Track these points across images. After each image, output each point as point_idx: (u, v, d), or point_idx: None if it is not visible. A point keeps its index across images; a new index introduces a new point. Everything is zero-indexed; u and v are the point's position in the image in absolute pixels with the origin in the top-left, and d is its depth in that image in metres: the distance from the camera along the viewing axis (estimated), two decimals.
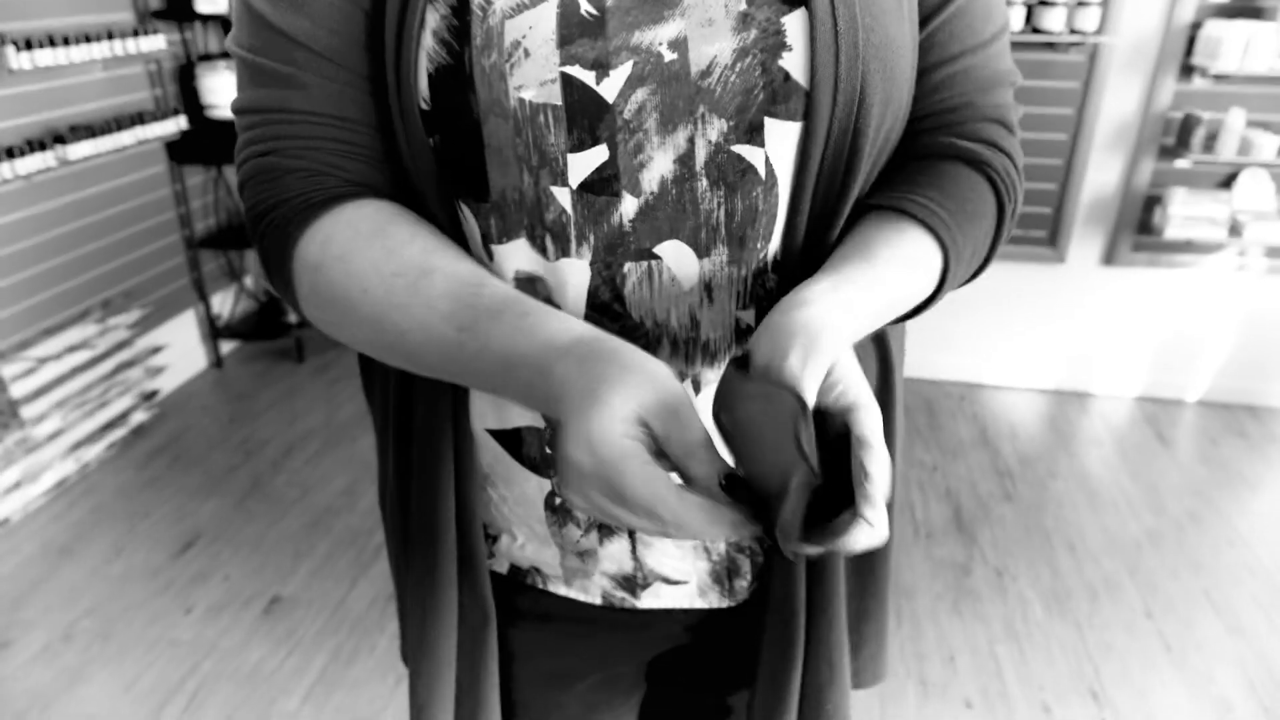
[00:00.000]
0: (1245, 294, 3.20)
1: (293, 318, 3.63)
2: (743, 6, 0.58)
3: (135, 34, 2.88)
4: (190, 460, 2.92)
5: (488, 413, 0.71)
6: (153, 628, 2.19)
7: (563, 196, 0.60)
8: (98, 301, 3.01)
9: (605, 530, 0.73)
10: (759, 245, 0.63)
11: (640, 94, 0.58)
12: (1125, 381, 3.40)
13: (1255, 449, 3.06)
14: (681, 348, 0.65)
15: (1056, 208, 3.19)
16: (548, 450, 0.70)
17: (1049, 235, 3.23)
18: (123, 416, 2.97)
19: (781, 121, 0.59)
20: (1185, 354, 3.32)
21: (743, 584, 0.79)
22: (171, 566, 2.41)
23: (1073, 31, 2.89)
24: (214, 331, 3.52)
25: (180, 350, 3.40)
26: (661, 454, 0.51)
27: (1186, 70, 2.94)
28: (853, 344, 0.57)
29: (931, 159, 0.67)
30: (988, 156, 0.67)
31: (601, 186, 0.60)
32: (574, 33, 0.57)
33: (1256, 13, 2.81)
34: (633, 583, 0.76)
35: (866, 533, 0.49)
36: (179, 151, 3.24)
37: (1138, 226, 3.16)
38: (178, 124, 3.11)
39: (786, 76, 0.58)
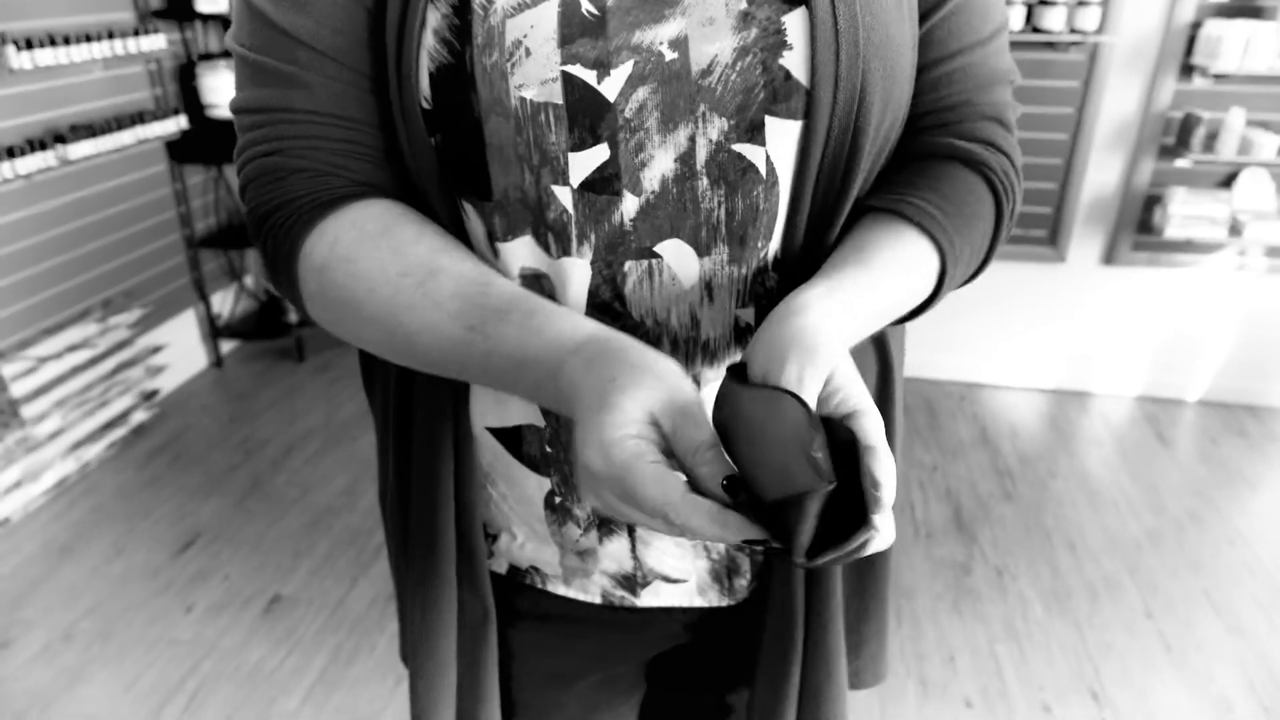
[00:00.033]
0: (1245, 294, 3.20)
1: (293, 317, 3.63)
2: (743, 5, 0.58)
3: (135, 33, 2.88)
4: (190, 460, 2.92)
5: (488, 410, 0.71)
6: (153, 627, 2.19)
7: (564, 195, 0.61)
8: (98, 301, 3.01)
9: (605, 529, 0.74)
10: (759, 244, 0.63)
11: (641, 93, 0.58)
12: (1125, 381, 3.40)
13: (1255, 449, 3.06)
14: (682, 346, 0.65)
15: (1057, 207, 3.19)
16: (547, 449, 0.71)
17: (1049, 235, 3.23)
18: (123, 416, 2.97)
19: (782, 120, 0.59)
20: (1185, 354, 3.32)
21: (742, 583, 0.79)
22: (171, 566, 2.41)
23: (1073, 31, 2.89)
24: (214, 331, 3.52)
25: (180, 350, 3.40)
26: (671, 453, 0.51)
27: (1186, 70, 2.94)
28: (850, 347, 0.58)
29: (929, 160, 0.67)
30: (985, 157, 0.67)
31: (602, 185, 0.60)
32: (575, 32, 0.57)
33: (1256, 12, 2.81)
34: (632, 582, 0.76)
35: (875, 540, 0.49)
36: (179, 151, 3.24)
37: (1138, 226, 3.16)
38: (178, 123, 3.11)
39: (787, 75, 0.58)
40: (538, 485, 0.73)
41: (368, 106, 0.63)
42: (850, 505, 0.48)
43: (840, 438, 0.50)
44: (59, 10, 2.74)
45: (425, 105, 0.60)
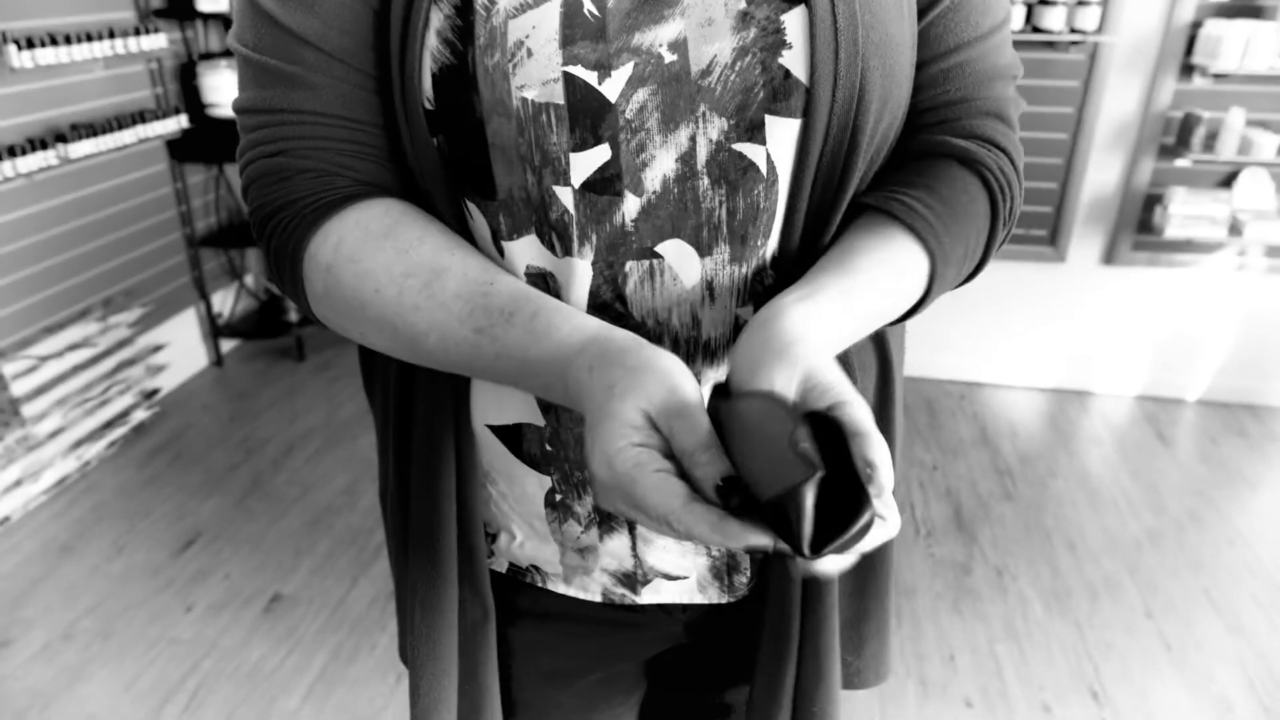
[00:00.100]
0: (1245, 293, 3.20)
1: (293, 316, 3.63)
2: (742, 5, 0.58)
3: (136, 32, 2.88)
4: (191, 459, 2.92)
5: (488, 407, 0.71)
6: (153, 626, 2.20)
7: (565, 196, 0.61)
8: (99, 300, 3.01)
9: (605, 526, 0.74)
10: (759, 242, 0.64)
11: (641, 94, 0.58)
12: (1125, 380, 3.40)
13: (1255, 448, 3.07)
14: (683, 346, 0.66)
15: (1057, 207, 3.19)
16: (548, 447, 0.71)
17: (1049, 234, 3.23)
18: (123, 415, 2.97)
19: (782, 119, 0.60)
20: (1185, 353, 3.32)
21: (742, 580, 0.79)
22: (172, 565, 2.41)
23: (1073, 30, 2.89)
24: (214, 330, 3.52)
25: (181, 349, 3.40)
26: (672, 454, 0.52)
27: (1186, 69, 2.94)
28: (837, 351, 0.58)
29: (926, 158, 0.67)
30: (982, 155, 0.66)
31: (604, 186, 0.60)
32: (576, 33, 0.57)
33: (1256, 12, 2.81)
34: (633, 579, 0.77)
35: (880, 527, 0.49)
36: (180, 150, 3.24)
37: (1138, 226, 3.16)
38: (179, 122, 3.11)
39: (786, 74, 0.58)
40: (538, 483, 0.73)
41: (372, 107, 0.63)
42: (849, 494, 0.48)
43: (827, 428, 0.50)
44: (60, 9, 2.74)
45: (428, 106, 0.60)
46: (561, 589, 0.79)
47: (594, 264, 0.63)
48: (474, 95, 0.58)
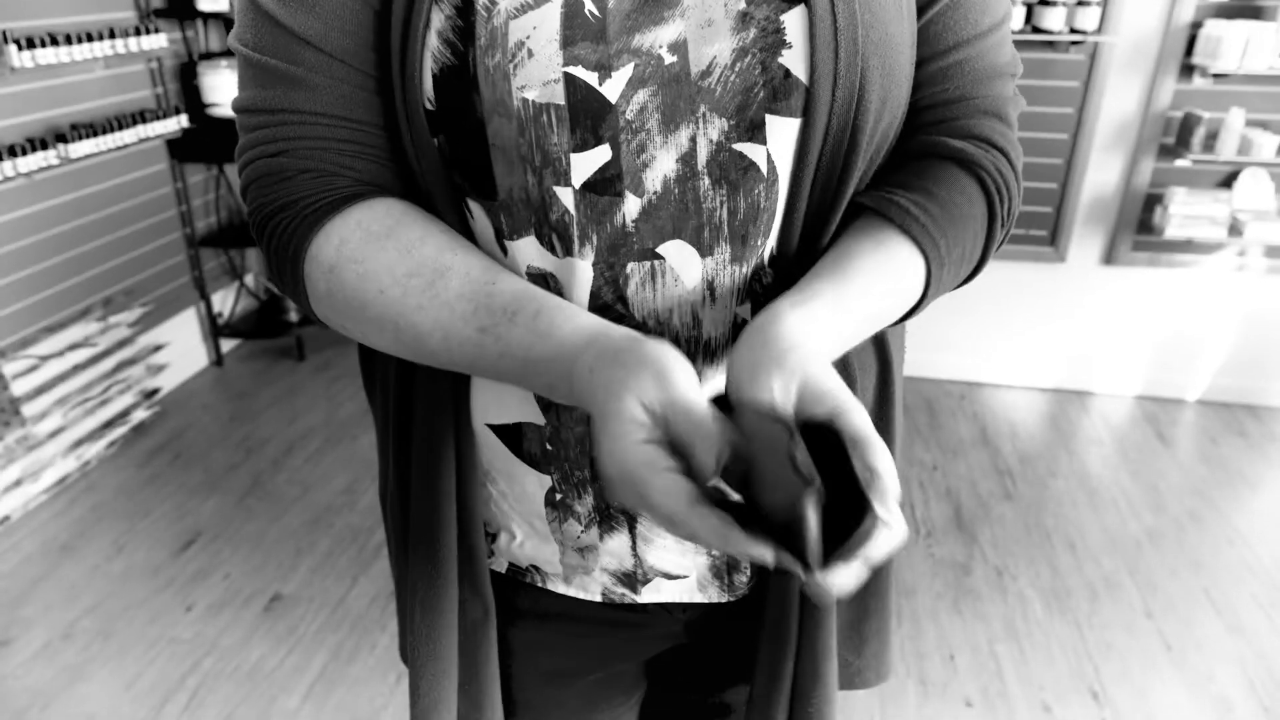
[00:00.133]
0: (1245, 294, 3.20)
1: (293, 316, 3.63)
2: (742, 5, 0.58)
3: (137, 32, 2.88)
4: (191, 458, 2.93)
5: (489, 406, 0.71)
6: (153, 626, 2.20)
7: (566, 197, 0.61)
8: (99, 299, 3.01)
9: (606, 526, 0.74)
10: (760, 242, 0.64)
11: (642, 95, 0.58)
12: (1125, 380, 3.40)
13: (1255, 448, 3.07)
14: (683, 346, 0.66)
15: (1057, 207, 3.19)
16: (548, 446, 0.71)
17: (1049, 234, 3.23)
18: (123, 414, 2.97)
19: (782, 118, 0.60)
20: (1185, 353, 3.32)
21: (742, 579, 0.79)
22: (172, 564, 2.41)
23: (1073, 31, 2.89)
24: (215, 330, 3.52)
25: (181, 348, 3.40)
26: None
27: (1186, 70, 2.94)
28: (834, 358, 0.58)
29: (924, 159, 0.67)
30: (979, 157, 0.66)
31: (604, 186, 0.60)
32: (576, 34, 0.57)
33: (1256, 13, 2.82)
34: (633, 579, 0.77)
35: (887, 535, 0.48)
36: (180, 150, 3.24)
37: (1138, 226, 3.16)
38: (179, 122, 3.11)
39: (786, 73, 0.58)
40: (538, 482, 0.73)
41: (373, 108, 0.63)
42: (852, 504, 0.48)
43: (827, 438, 0.50)
44: (60, 9, 2.74)
45: (429, 106, 0.60)
46: (561, 589, 0.79)
47: (595, 265, 0.63)
48: (475, 96, 0.58)
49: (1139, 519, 2.66)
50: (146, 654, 2.11)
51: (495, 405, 0.71)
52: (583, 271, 0.63)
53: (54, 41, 2.58)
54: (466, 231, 0.66)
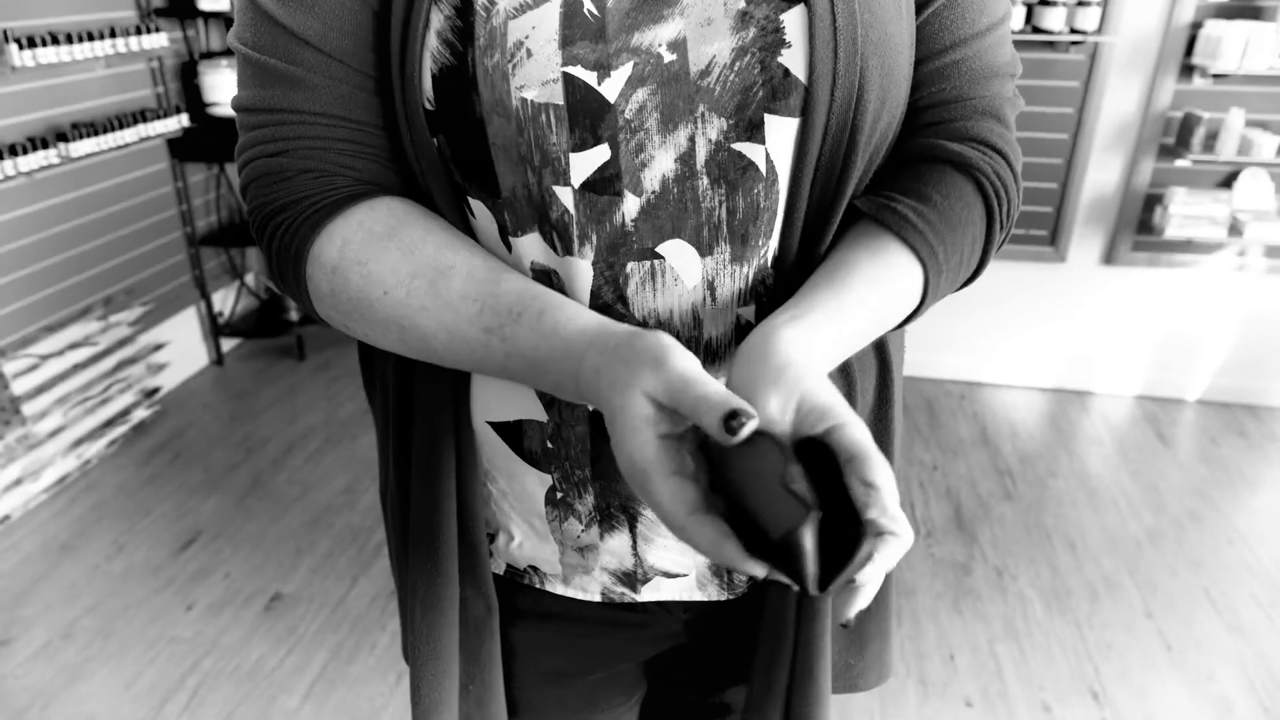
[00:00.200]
0: (1245, 294, 3.20)
1: (294, 315, 3.63)
2: (741, 4, 0.58)
3: (137, 31, 2.88)
4: (191, 457, 2.93)
5: (489, 404, 0.71)
6: (153, 625, 2.20)
7: (565, 196, 0.61)
8: (99, 298, 3.01)
9: (606, 525, 0.74)
10: (760, 242, 0.64)
11: (641, 94, 0.58)
12: (1125, 380, 3.40)
13: (1255, 448, 3.07)
14: (684, 346, 0.65)
15: (1057, 207, 3.19)
16: (549, 444, 0.71)
17: (1049, 234, 3.23)
18: (124, 413, 2.97)
19: (781, 118, 0.60)
20: (1185, 353, 3.32)
21: (742, 577, 0.79)
22: (172, 564, 2.42)
23: (1073, 31, 2.89)
24: (215, 329, 3.52)
25: (181, 347, 3.40)
26: (694, 427, 0.52)
27: (1186, 70, 2.94)
28: (830, 369, 0.59)
29: (922, 163, 0.67)
30: (977, 161, 0.66)
31: (603, 186, 0.60)
32: (575, 34, 0.57)
33: (1256, 13, 2.82)
34: (633, 578, 0.77)
35: (893, 545, 0.48)
36: (181, 149, 3.24)
37: (1138, 226, 3.16)
38: (180, 121, 3.11)
39: (786, 73, 0.58)
40: (538, 481, 0.73)
41: (373, 108, 0.63)
42: (850, 523, 0.47)
43: (826, 454, 0.50)
44: (61, 8, 2.74)
45: (428, 106, 0.60)
46: (560, 590, 0.79)
47: (595, 264, 0.63)
48: (474, 96, 0.58)
49: (1139, 519, 2.67)
50: (146, 653, 2.11)
51: (497, 402, 0.71)
52: (583, 271, 0.63)
53: (55, 41, 2.58)
54: (467, 230, 0.66)
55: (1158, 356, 3.35)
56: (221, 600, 2.28)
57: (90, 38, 2.70)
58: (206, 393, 3.36)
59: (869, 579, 0.49)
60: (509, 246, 0.65)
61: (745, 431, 0.47)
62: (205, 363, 3.57)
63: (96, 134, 2.76)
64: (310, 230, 0.62)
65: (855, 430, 0.50)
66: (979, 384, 3.50)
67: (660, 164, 0.60)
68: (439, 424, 0.72)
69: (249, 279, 3.80)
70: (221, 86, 3.16)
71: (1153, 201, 3.12)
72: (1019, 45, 2.88)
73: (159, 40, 2.97)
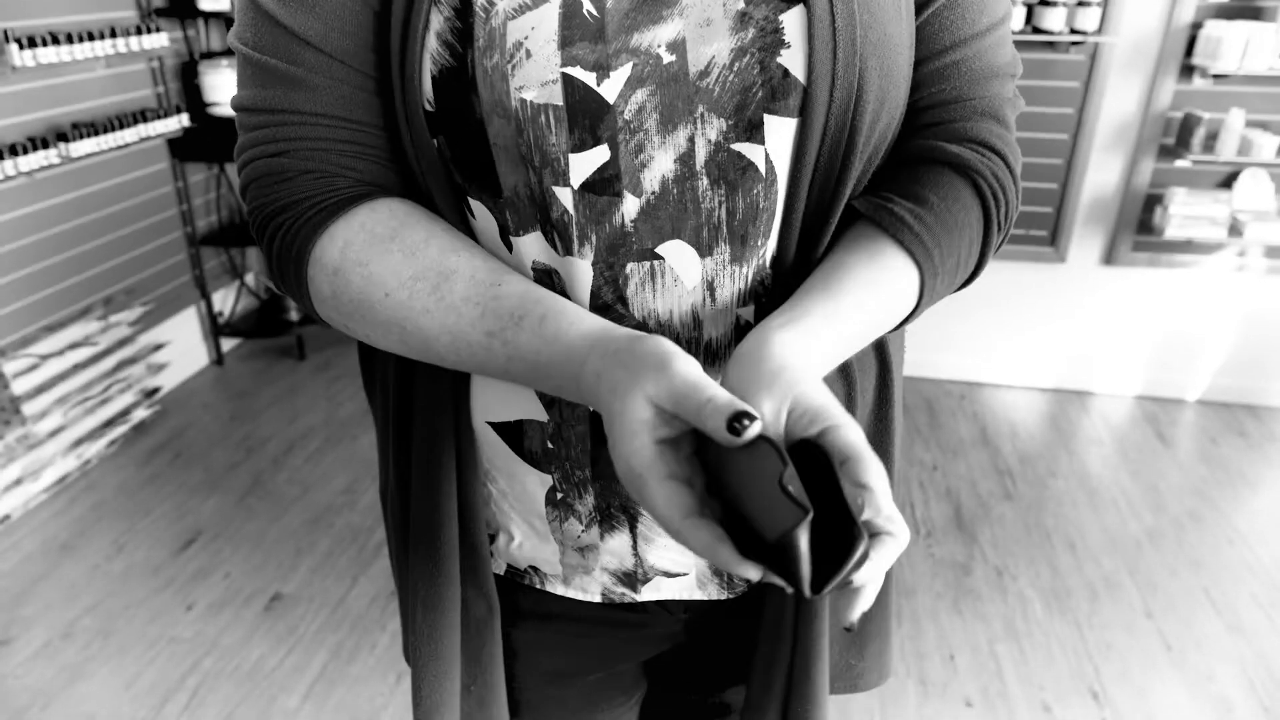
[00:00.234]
0: (1245, 294, 3.20)
1: (294, 315, 3.63)
2: (740, 5, 0.58)
3: (138, 31, 2.88)
4: (191, 457, 2.93)
5: (490, 405, 0.72)
6: (153, 625, 2.20)
7: (565, 196, 0.61)
8: (99, 298, 3.01)
9: (606, 525, 0.74)
10: (759, 242, 0.64)
11: (640, 95, 0.58)
12: (1125, 380, 3.40)
13: (1255, 448, 3.07)
14: (684, 347, 0.65)
15: (1057, 207, 3.19)
16: (549, 445, 0.71)
17: (1049, 235, 3.23)
18: (124, 413, 2.97)
19: (780, 118, 0.60)
20: (1185, 353, 3.32)
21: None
22: (172, 564, 2.42)
23: (1073, 31, 2.89)
24: (215, 329, 3.52)
25: (181, 347, 3.41)
26: (692, 431, 0.52)
27: (1186, 70, 2.94)
28: (825, 373, 0.59)
29: (920, 165, 0.67)
30: (975, 163, 0.66)
31: (603, 186, 0.60)
32: (575, 34, 0.57)
33: (1256, 13, 2.82)
34: (633, 578, 0.77)
35: (890, 545, 0.49)
36: (181, 149, 3.24)
37: (1138, 226, 3.16)
38: (180, 121, 3.11)
39: (785, 73, 0.58)
40: (539, 481, 0.73)
41: (373, 109, 0.63)
42: (845, 525, 0.48)
43: (820, 456, 0.50)
44: (61, 8, 2.74)
45: (428, 108, 0.60)
46: (560, 590, 0.79)
47: (594, 264, 0.63)
48: (474, 97, 0.59)
49: (1139, 519, 2.67)
50: (146, 653, 2.11)
51: (497, 403, 0.71)
52: (583, 271, 0.63)
53: (55, 40, 2.58)
54: (467, 231, 0.66)
55: (1158, 356, 3.35)
56: (221, 600, 2.28)
57: (90, 37, 2.70)
58: (206, 393, 3.36)
59: (868, 580, 0.49)
60: (510, 246, 0.65)
61: (750, 434, 0.48)
62: (205, 363, 3.57)
63: (97, 134, 2.76)
64: (312, 231, 0.62)
65: (849, 432, 0.51)
66: (979, 384, 3.50)
67: (660, 164, 0.60)
68: (439, 424, 0.72)
69: (249, 279, 3.80)
70: (222, 86, 3.16)
71: (1153, 202, 3.12)
72: (1019, 45, 2.88)
73: (159, 40, 2.97)
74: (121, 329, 2.98)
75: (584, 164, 0.60)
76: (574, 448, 0.70)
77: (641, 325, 0.65)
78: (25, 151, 2.54)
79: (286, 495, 2.72)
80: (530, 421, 0.70)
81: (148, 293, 3.22)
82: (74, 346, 2.78)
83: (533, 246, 0.64)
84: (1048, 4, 2.84)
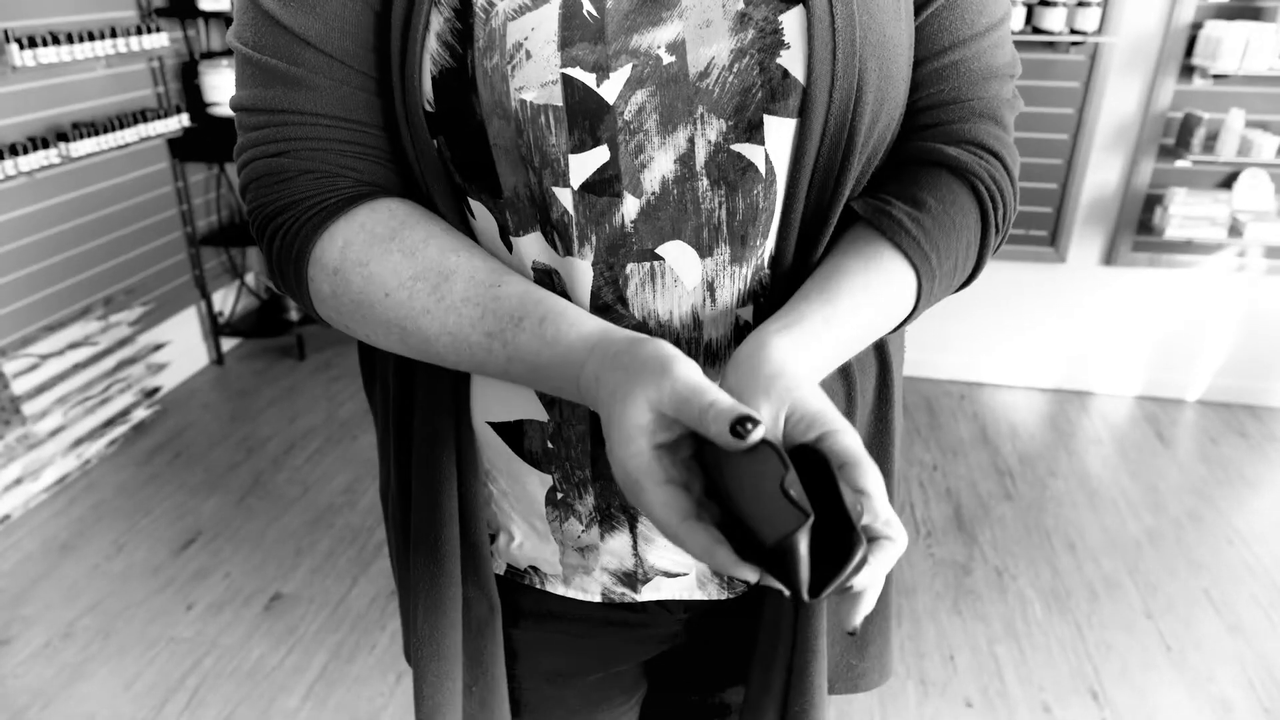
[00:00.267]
0: (1245, 294, 3.20)
1: (294, 315, 3.63)
2: (740, 6, 0.58)
3: (138, 31, 2.88)
4: (191, 457, 2.93)
5: (490, 405, 0.72)
6: (153, 625, 2.20)
7: (564, 197, 0.61)
8: (99, 298, 3.01)
9: (606, 525, 0.74)
10: (759, 243, 0.64)
11: (640, 95, 0.58)
12: (1125, 381, 3.40)
13: (1255, 448, 3.07)
14: (684, 348, 0.66)
15: (1057, 207, 3.19)
16: (549, 445, 0.71)
17: (1049, 235, 3.23)
18: (124, 413, 2.97)
19: (780, 119, 0.60)
20: (1185, 353, 3.32)
21: None
22: (172, 563, 2.42)
23: (1073, 31, 2.89)
24: (215, 329, 3.52)
25: (181, 347, 3.41)
26: (690, 434, 0.52)
27: (1186, 70, 2.94)
28: (822, 377, 0.59)
29: (918, 167, 0.67)
30: (973, 165, 0.66)
31: (603, 187, 0.60)
32: (575, 35, 0.57)
33: (1256, 13, 2.82)
34: (633, 578, 0.77)
35: (888, 549, 0.49)
36: (181, 149, 3.25)
37: (1138, 226, 3.16)
38: (180, 121, 3.11)
39: (784, 74, 0.58)
40: (539, 482, 0.73)
41: (373, 109, 0.63)
42: (844, 529, 0.48)
43: (817, 461, 0.50)
44: (62, 8, 2.74)
45: (428, 108, 0.60)
46: (560, 590, 0.80)
47: (594, 265, 0.63)
48: (474, 97, 0.59)
49: (1139, 519, 2.67)
50: (146, 653, 2.11)
51: (497, 403, 0.71)
52: (583, 271, 0.63)
53: (55, 40, 2.58)
54: (467, 231, 0.66)
55: (1158, 356, 3.35)
56: (221, 600, 2.28)
57: (91, 37, 2.70)
58: (206, 392, 3.36)
59: (868, 584, 0.49)
60: (510, 247, 0.65)
61: (754, 437, 0.48)
62: (205, 362, 3.57)
63: (97, 134, 2.76)
64: (312, 231, 0.62)
65: (846, 437, 0.51)
66: (979, 384, 3.50)
67: (660, 165, 0.60)
68: (439, 424, 0.72)
69: (249, 279, 3.80)
70: (222, 86, 3.16)
71: (1153, 202, 3.12)
72: (1019, 46, 2.88)
73: (160, 40, 2.97)
74: (121, 329, 2.98)
75: (584, 165, 0.60)
76: (574, 448, 0.70)
77: (642, 325, 0.65)
78: (25, 151, 2.54)
79: (286, 495, 2.72)
80: (530, 421, 0.70)
81: (148, 292, 3.22)
82: (74, 346, 2.78)
83: (533, 247, 0.64)
84: (1048, 4, 2.85)
